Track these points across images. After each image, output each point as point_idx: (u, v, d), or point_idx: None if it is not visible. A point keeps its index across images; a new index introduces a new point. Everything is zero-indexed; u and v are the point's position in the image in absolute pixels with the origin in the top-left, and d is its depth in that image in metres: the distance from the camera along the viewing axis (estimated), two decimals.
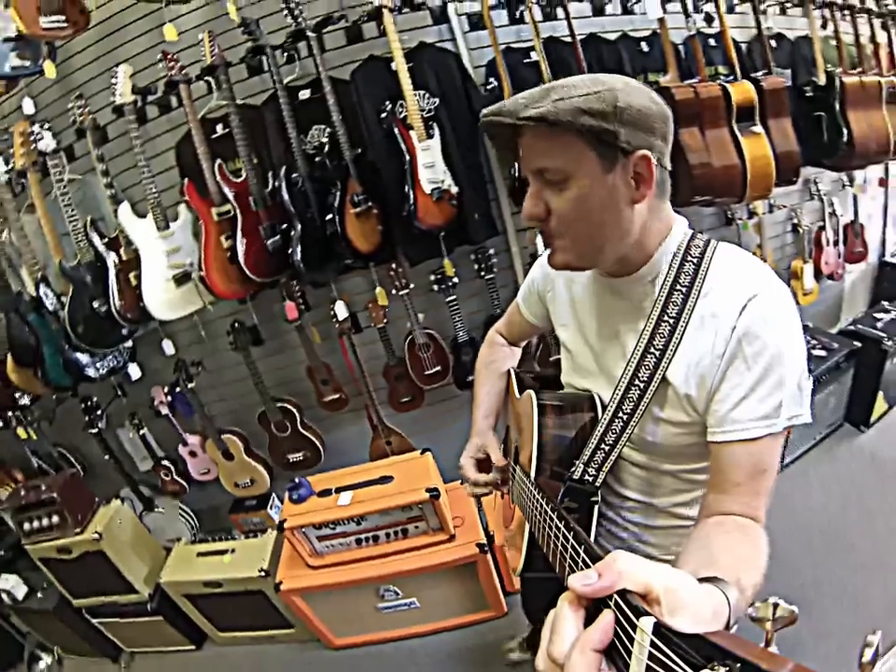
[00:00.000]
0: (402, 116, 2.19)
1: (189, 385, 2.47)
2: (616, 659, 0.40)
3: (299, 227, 2.15)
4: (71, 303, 2.35)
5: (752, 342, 0.79)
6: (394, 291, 2.31)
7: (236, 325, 2.39)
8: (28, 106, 2.38)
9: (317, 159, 2.17)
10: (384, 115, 2.17)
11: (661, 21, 2.31)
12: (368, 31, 2.26)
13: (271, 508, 2.73)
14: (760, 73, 2.58)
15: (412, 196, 2.13)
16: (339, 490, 2.10)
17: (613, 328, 0.97)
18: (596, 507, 0.93)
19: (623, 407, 0.90)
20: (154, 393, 2.60)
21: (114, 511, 2.51)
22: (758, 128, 2.37)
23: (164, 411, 2.58)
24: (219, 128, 2.28)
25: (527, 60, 2.36)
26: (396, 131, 2.12)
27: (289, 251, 2.16)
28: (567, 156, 0.78)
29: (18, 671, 2.98)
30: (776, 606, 0.43)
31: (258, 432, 2.67)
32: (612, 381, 0.93)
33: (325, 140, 2.25)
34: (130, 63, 2.27)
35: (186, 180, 2.16)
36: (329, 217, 2.13)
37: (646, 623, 0.38)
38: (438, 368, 2.52)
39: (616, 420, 0.91)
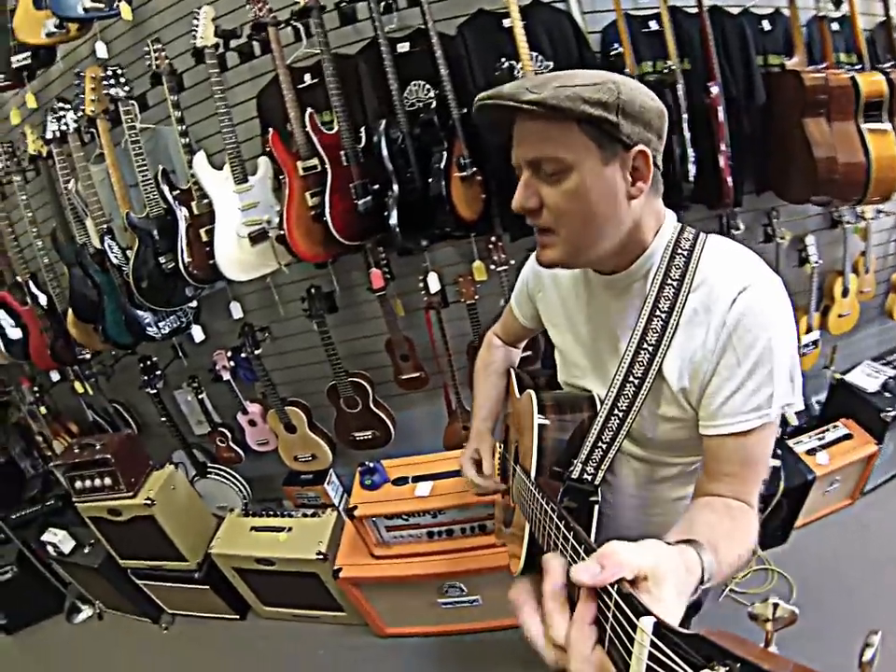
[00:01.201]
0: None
1: (256, 352, 2.18)
2: (616, 659, 0.39)
3: (396, 188, 1.83)
4: (136, 258, 2.07)
5: (743, 335, 0.74)
6: (492, 267, 1.98)
7: (312, 290, 2.09)
8: (101, 51, 2.09)
9: (422, 115, 1.83)
10: (498, 73, 1.81)
11: (792, 0, 1.92)
12: None
13: (328, 483, 2.46)
14: (887, 64, 2.18)
15: None
16: (416, 479, 1.81)
17: (605, 325, 0.91)
18: (596, 506, 0.86)
19: (619, 404, 0.85)
20: (216, 357, 2.32)
21: (168, 476, 2.26)
22: (886, 124, 1.98)
23: (226, 376, 2.31)
24: (307, 77, 1.95)
25: (646, 29, 1.97)
26: None
27: (385, 214, 1.84)
28: (567, 146, 0.71)
29: (56, 620, 2.80)
30: (776, 606, 0.40)
31: (322, 405, 2.38)
32: (607, 379, 0.88)
33: (425, 96, 1.91)
34: (213, 6, 1.95)
35: (271, 130, 1.84)
36: (433, 179, 1.80)
37: (646, 623, 0.36)
38: (529, 352, 2.16)
39: (612, 418, 0.86)
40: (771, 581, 2.08)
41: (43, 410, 2.81)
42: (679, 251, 0.80)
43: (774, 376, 0.74)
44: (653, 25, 1.95)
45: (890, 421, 2.07)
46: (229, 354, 2.29)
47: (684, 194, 1.94)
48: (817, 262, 2.19)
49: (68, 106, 2.14)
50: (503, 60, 1.84)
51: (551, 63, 1.90)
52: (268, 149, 1.85)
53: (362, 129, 1.93)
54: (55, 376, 2.73)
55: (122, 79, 2.03)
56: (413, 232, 1.87)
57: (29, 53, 2.14)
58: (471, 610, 2.02)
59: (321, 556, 2.01)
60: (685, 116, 1.85)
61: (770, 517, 2.07)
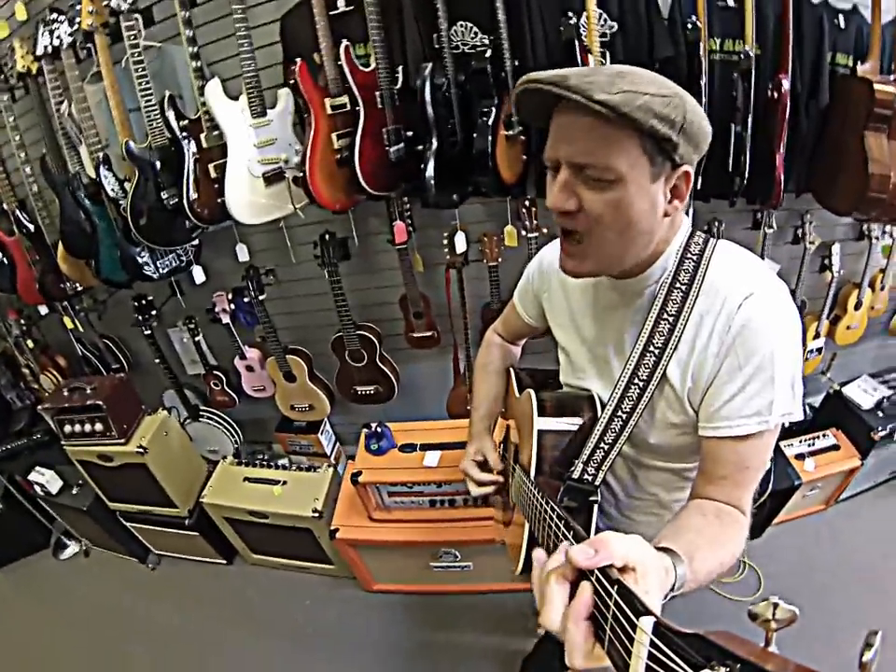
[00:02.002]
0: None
1: (260, 297, 1.99)
2: (616, 658, 0.37)
3: (435, 139, 1.61)
4: (135, 191, 1.85)
5: (746, 340, 0.71)
6: (523, 232, 1.79)
7: (326, 236, 1.88)
8: None
9: (474, 63, 1.59)
10: (563, 28, 1.55)
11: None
12: None
13: (322, 433, 2.33)
14: None
15: None
16: (424, 448, 1.68)
17: (612, 327, 0.86)
18: (596, 506, 0.84)
19: (623, 406, 0.82)
20: (216, 299, 2.13)
21: (160, 423, 2.11)
22: None
23: (225, 319, 2.13)
24: (341, 3, 1.63)
25: (723, 4, 1.64)
26: (577, 50, 1.54)
27: (421, 165, 1.63)
28: (623, 156, 0.64)
29: (43, 555, 2.68)
30: (776, 606, 0.37)
31: (323, 354, 2.22)
32: (611, 380, 0.84)
33: (472, 40, 1.65)
34: None
35: (299, 60, 1.59)
36: (478, 134, 1.59)
37: (646, 623, 0.34)
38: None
39: (615, 419, 0.82)
40: (742, 571, 2.06)
41: (30, 343, 2.60)
42: (689, 256, 0.76)
43: (775, 383, 0.70)
44: (731, 2, 1.62)
45: (878, 440, 2.02)
46: (229, 296, 2.10)
47: (735, 189, 1.72)
48: (838, 272, 2.06)
49: (63, 18, 1.86)
50: (570, 15, 1.55)
51: (615, 25, 1.62)
52: (292, 81, 1.60)
53: (399, 68, 1.68)
54: (44, 310, 2.50)
55: None
56: (446, 188, 1.67)
57: None
58: (461, 574, 1.96)
59: (317, 514, 1.90)
60: (752, 107, 1.61)
61: (753, 514, 2.04)
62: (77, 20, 1.82)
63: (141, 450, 2.00)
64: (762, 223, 1.93)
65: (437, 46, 1.60)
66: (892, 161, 1.66)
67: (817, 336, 2.18)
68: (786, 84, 1.59)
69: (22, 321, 2.57)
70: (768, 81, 1.60)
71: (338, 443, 2.54)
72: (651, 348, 0.77)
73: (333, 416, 2.44)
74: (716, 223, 1.89)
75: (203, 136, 1.75)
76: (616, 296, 0.83)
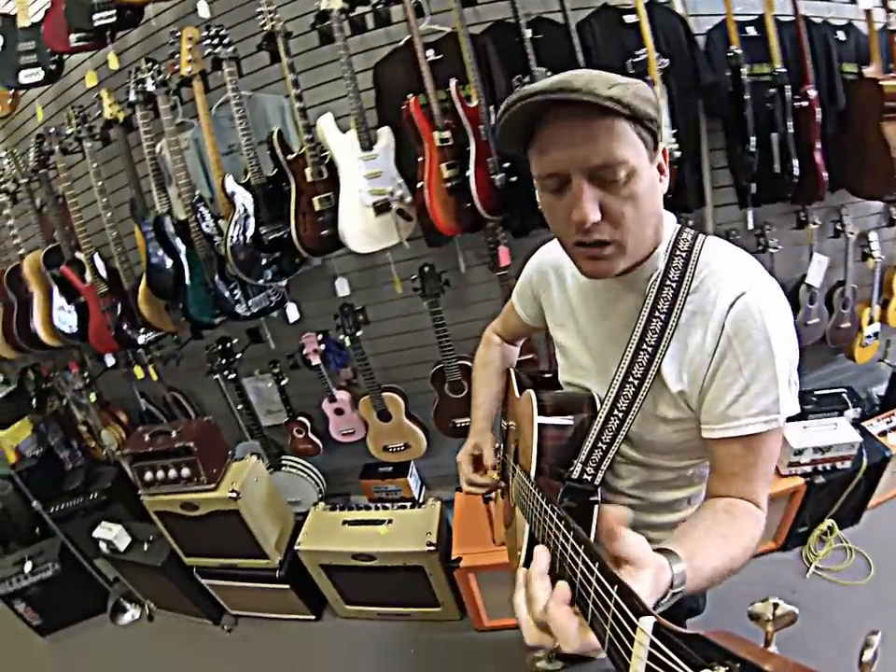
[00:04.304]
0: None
1: (357, 333, 1.77)
2: (616, 659, 0.35)
3: None
4: (233, 227, 1.65)
5: (743, 340, 0.64)
6: None
7: (426, 268, 1.71)
8: (203, 10, 1.71)
9: None
10: (632, 66, 1.59)
11: (868, 12, 1.78)
12: None
13: (410, 476, 2.05)
14: None
15: None
16: None
17: (608, 325, 0.79)
18: (596, 506, 0.76)
19: (619, 405, 0.75)
20: (305, 340, 1.90)
21: (250, 468, 1.81)
22: None
23: (315, 361, 1.88)
24: (430, 53, 1.59)
25: (744, 34, 1.76)
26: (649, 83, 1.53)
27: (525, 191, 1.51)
28: (630, 147, 0.59)
29: (97, 622, 2.24)
30: (776, 606, 0.34)
31: (415, 393, 1.99)
32: (608, 379, 0.77)
33: None
34: None
35: (411, 96, 1.52)
36: None
37: (646, 623, 0.32)
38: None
39: (612, 418, 0.76)
40: (850, 558, 1.87)
41: (92, 398, 2.27)
42: (678, 252, 0.70)
43: (778, 380, 0.65)
44: (750, 31, 1.76)
45: None
46: (319, 337, 1.87)
47: (787, 190, 1.79)
48: (879, 257, 2.04)
49: (156, 68, 1.71)
50: (638, 53, 1.61)
51: (666, 61, 1.68)
52: (406, 115, 1.52)
53: (490, 107, 1.61)
54: (110, 361, 2.21)
55: (226, 40, 1.63)
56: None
57: (114, 11, 1.69)
58: None
59: (432, 548, 1.62)
60: (790, 115, 1.70)
61: (849, 496, 1.88)
62: (177, 67, 1.70)
63: (234, 495, 1.69)
64: (806, 221, 1.92)
65: (516, 87, 1.59)
66: None
67: (871, 321, 2.11)
68: (812, 92, 1.69)
69: (85, 374, 2.26)
70: (795, 94, 1.69)
71: (423, 487, 2.26)
72: (645, 346, 0.71)
73: (419, 460, 2.17)
74: (766, 226, 1.89)
75: (307, 171, 1.59)
76: (612, 293, 0.76)
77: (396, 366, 2.03)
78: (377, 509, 1.81)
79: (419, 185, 1.52)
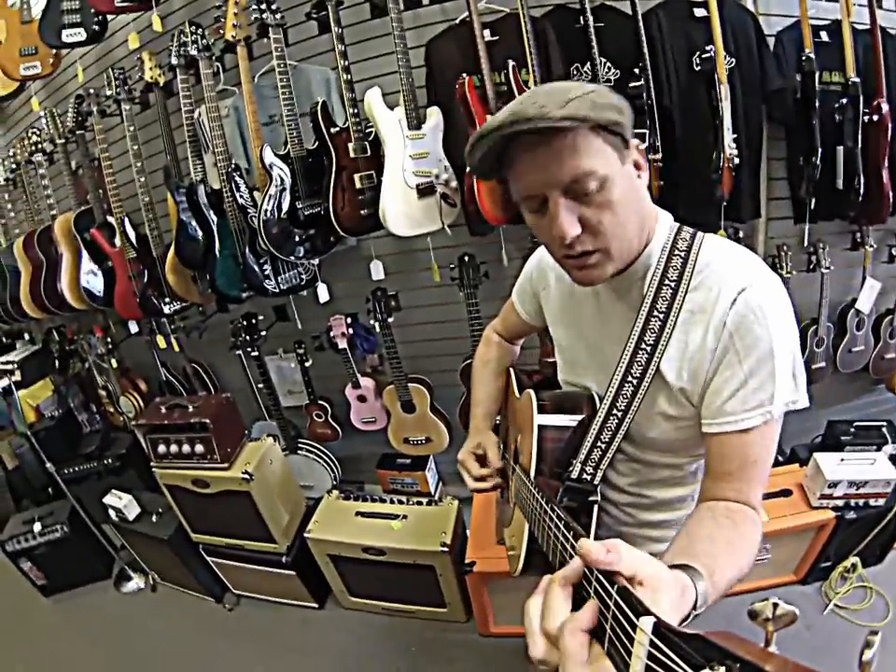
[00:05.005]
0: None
1: (389, 319, 1.66)
2: (616, 659, 0.34)
3: None
4: (267, 200, 1.54)
5: (744, 336, 0.62)
6: None
7: (466, 258, 1.60)
8: None
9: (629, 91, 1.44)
10: (699, 63, 1.46)
11: None
12: None
13: (428, 470, 1.94)
14: None
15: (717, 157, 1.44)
16: None
17: (606, 324, 0.76)
18: (596, 506, 0.74)
19: (618, 404, 0.72)
20: (333, 322, 1.79)
21: (266, 450, 1.72)
22: None
23: (342, 344, 1.78)
24: (487, 33, 1.47)
25: (818, 39, 1.60)
26: (715, 81, 1.44)
27: None
28: (597, 156, 0.58)
29: (102, 587, 2.18)
30: (775, 606, 0.33)
31: (441, 386, 1.87)
32: (606, 378, 0.74)
33: (608, 76, 1.50)
34: None
35: (465, 76, 1.39)
36: None
37: (646, 623, 0.31)
38: None
39: (611, 417, 0.73)
40: (869, 598, 1.73)
41: (113, 363, 2.20)
42: (677, 251, 0.68)
43: (776, 375, 0.63)
44: (823, 36, 1.60)
45: None
46: (348, 320, 1.76)
47: (848, 208, 1.63)
48: None
49: (200, 32, 1.61)
50: (708, 48, 1.47)
51: (733, 61, 1.55)
52: (459, 94, 1.39)
53: None
54: (134, 328, 2.13)
55: (273, 6, 1.52)
56: None
57: None
58: None
59: (445, 549, 1.52)
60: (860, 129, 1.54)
61: (878, 535, 1.73)
62: (221, 31, 1.58)
63: (248, 476, 1.60)
64: (861, 243, 1.77)
65: (575, 76, 1.50)
66: None
67: None
68: (885, 107, 1.53)
69: (108, 339, 2.18)
70: (866, 107, 1.54)
71: (440, 482, 2.15)
72: (643, 345, 0.69)
73: (438, 455, 2.06)
74: (820, 244, 1.73)
75: (350, 146, 1.48)
76: (609, 292, 0.74)
77: (425, 356, 1.91)
78: (392, 502, 1.71)
79: (466, 173, 1.40)
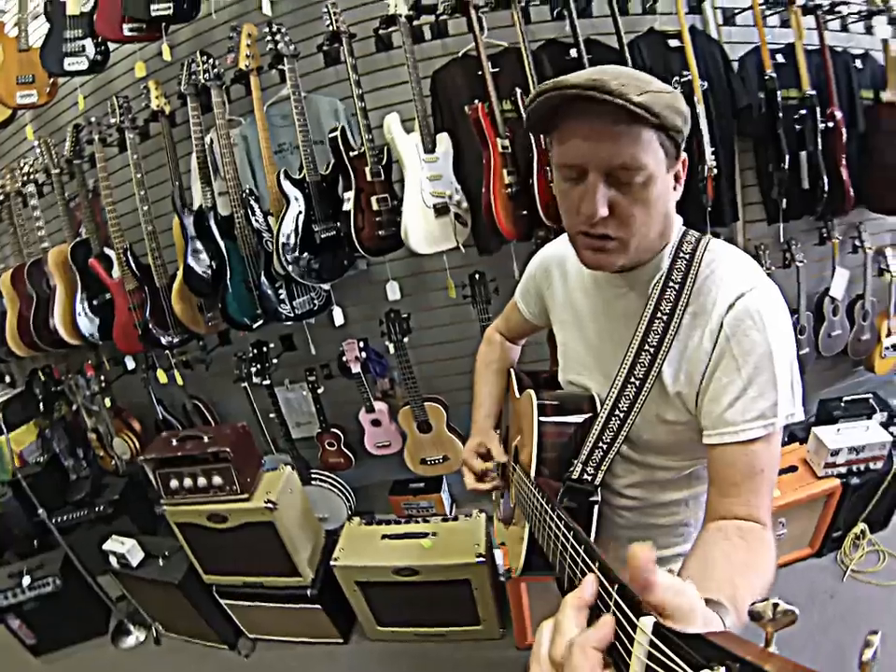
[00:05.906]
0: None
1: (404, 340, 1.65)
2: (616, 659, 0.32)
3: None
4: (285, 224, 1.54)
5: (741, 340, 0.61)
6: None
7: (477, 275, 1.62)
8: (266, 7, 1.63)
9: None
10: (677, 85, 1.61)
11: (885, 42, 1.91)
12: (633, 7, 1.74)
13: (443, 492, 1.90)
14: None
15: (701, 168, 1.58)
16: None
17: (611, 325, 0.76)
18: (596, 507, 0.73)
19: (620, 405, 0.72)
20: (346, 347, 1.76)
21: (285, 479, 1.64)
22: None
23: (355, 369, 1.74)
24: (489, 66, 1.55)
25: (775, 61, 1.81)
26: (694, 103, 1.61)
27: None
28: (651, 154, 0.57)
29: (99, 643, 1.98)
30: (775, 606, 0.31)
31: (459, 403, 1.85)
32: (608, 379, 0.74)
33: None
34: None
35: (477, 101, 1.46)
36: None
37: (646, 623, 0.30)
38: None
39: (613, 419, 0.72)
40: (883, 561, 1.80)
41: (106, 402, 2.08)
42: (682, 254, 0.68)
43: (777, 383, 0.61)
44: (779, 58, 1.82)
45: None
46: (360, 344, 1.74)
47: (816, 205, 1.82)
48: (895, 272, 2.06)
49: (211, 61, 1.62)
50: (685, 73, 1.65)
51: (706, 83, 1.72)
52: (473, 119, 1.46)
53: None
54: (130, 364, 2.02)
55: (287, 38, 1.56)
56: None
57: (171, 4, 1.61)
58: None
59: (482, 559, 1.48)
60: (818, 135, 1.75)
61: (880, 499, 1.82)
62: (234, 60, 1.61)
63: (271, 505, 1.53)
64: (828, 237, 1.97)
65: None
66: None
67: (889, 333, 2.13)
68: (838, 114, 1.75)
69: (102, 377, 2.06)
70: (822, 116, 1.75)
71: (454, 504, 2.09)
72: (647, 347, 0.68)
73: (450, 475, 2.02)
74: (793, 241, 1.92)
75: (367, 170, 1.50)
76: (616, 293, 0.74)
77: (438, 375, 1.90)
78: (417, 522, 1.66)
79: (484, 189, 1.45)
